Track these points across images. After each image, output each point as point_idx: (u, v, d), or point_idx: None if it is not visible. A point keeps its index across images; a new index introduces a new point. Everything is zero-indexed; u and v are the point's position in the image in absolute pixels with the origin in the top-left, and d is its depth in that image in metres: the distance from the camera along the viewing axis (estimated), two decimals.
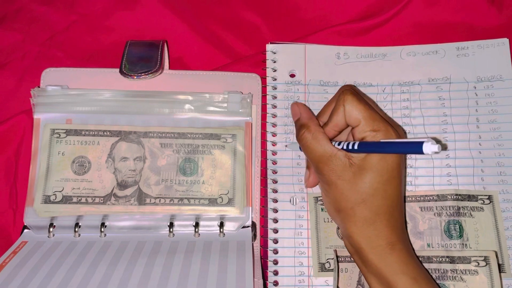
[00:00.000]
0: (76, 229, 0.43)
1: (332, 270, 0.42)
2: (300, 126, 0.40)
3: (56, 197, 0.43)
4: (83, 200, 0.43)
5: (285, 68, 0.48)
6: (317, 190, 0.44)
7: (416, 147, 0.30)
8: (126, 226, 0.44)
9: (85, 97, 0.46)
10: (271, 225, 0.44)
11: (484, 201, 0.44)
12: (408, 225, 0.43)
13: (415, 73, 0.48)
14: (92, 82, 0.47)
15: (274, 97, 0.48)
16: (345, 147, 0.37)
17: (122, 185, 0.44)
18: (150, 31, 0.51)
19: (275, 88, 0.48)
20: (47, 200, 0.43)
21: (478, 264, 0.41)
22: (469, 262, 0.41)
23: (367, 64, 0.49)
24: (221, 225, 0.44)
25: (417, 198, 0.44)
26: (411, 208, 0.44)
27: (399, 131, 0.37)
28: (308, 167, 0.43)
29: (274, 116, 0.47)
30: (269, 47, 0.49)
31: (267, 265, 0.43)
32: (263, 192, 0.46)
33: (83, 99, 0.46)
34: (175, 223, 0.44)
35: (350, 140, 0.38)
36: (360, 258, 0.37)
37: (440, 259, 0.41)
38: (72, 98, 0.45)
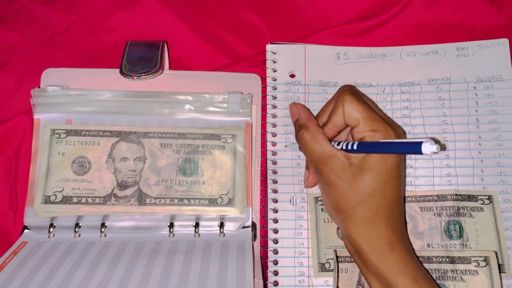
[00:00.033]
0: (76, 230, 0.43)
1: (332, 270, 0.42)
2: (299, 127, 0.40)
3: (56, 198, 0.43)
4: (83, 200, 0.43)
5: (285, 68, 0.49)
6: (317, 190, 0.44)
7: (415, 147, 0.30)
8: (126, 227, 0.44)
9: (85, 98, 0.46)
10: (271, 225, 0.44)
11: (484, 201, 0.44)
12: (408, 225, 0.43)
13: (415, 73, 0.48)
14: (92, 83, 0.47)
15: (274, 98, 0.48)
16: (344, 147, 0.37)
17: (122, 186, 0.44)
18: (150, 32, 0.51)
19: (275, 89, 0.48)
20: (47, 200, 0.43)
21: (478, 264, 0.41)
22: (469, 262, 0.41)
23: (367, 64, 0.49)
24: (221, 225, 0.44)
25: (417, 198, 0.44)
26: (411, 208, 0.44)
27: (398, 131, 0.37)
28: (307, 167, 0.43)
29: (274, 116, 0.47)
30: (269, 47, 0.49)
31: (267, 265, 0.43)
32: (263, 192, 0.46)
33: (83, 99, 0.46)
34: (175, 223, 0.44)
35: (350, 140, 0.38)
36: (360, 258, 0.37)
37: (440, 259, 0.41)
38: (72, 98, 0.45)
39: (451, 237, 0.43)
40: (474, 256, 0.41)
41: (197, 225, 0.44)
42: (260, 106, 0.48)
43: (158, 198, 0.44)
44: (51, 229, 0.43)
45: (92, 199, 0.44)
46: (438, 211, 0.43)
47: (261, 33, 0.52)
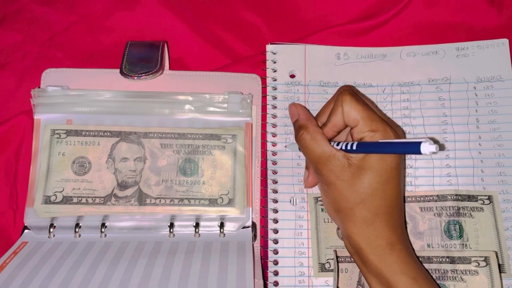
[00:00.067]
0: (77, 230, 0.43)
1: (332, 270, 0.42)
2: (298, 127, 0.40)
3: (56, 198, 0.43)
4: (84, 200, 0.43)
5: (285, 68, 0.49)
6: (317, 190, 0.44)
7: (414, 147, 0.31)
8: (126, 227, 0.44)
9: (86, 98, 0.46)
10: (271, 225, 0.44)
11: (484, 202, 0.44)
12: (408, 226, 0.43)
13: (415, 73, 0.48)
14: (92, 83, 0.47)
15: (274, 98, 0.48)
16: (343, 148, 0.37)
17: (122, 186, 0.44)
18: (150, 32, 0.51)
19: (275, 89, 0.48)
20: (47, 200, 0.43)
21: (478, 264, 0.41)
22: (469, 263, 0.41)
23: (367, 64, 0.49)
24: (222, 225, 0.44)
25: (417, 198, 0.44)
26: (411, 209, 0.44)
27: (398, 131, 0.37)
28: (307, 168, 0.43)
29: (274, 116, 0.47)
30: (269, 47, 0.49)
31: (267, 265, 0.43)
32: (263, 193, 0.46)
33: (83, 99, 0.46)
34: (176, 223, 0.44)
35: (349, 141, 0.38)
36: (360, 259, 0.37)
37: (440, 260, 0.41)
38: (73, 98, 0.45)
39: (451, 237, 0.43)
40: (474, 256, 0.41)
41: (197, 225, 0.44)
42: (260, 106, 0.48)
43: (158, 198, 0.44)
44: (51, 229, 0.43)
45: (92, 199, 0.44)
46: (438, 211, 0.43)
47: (261, 33, 0.52)
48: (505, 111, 0.46)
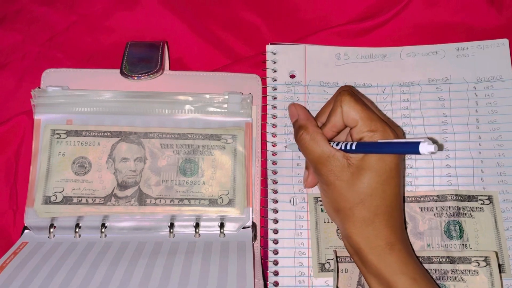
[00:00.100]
0: (77, 230, 0.43)
1: (332, 270, 0.42)
2: (298, 128, 0.40)
3: (56, 198, 0.43)
4: (84, 200, 0.43)
5: (285, 68, 0.49)
6: (317, 190, 0.44)
7: (413, 147, 0.31)
8: (126, 227, 0.44)
9: (86, 98, 0.46)
10: (271, 225, 0.44)
11: (484, 202, 0.44)
12: (408, 226, 0.43)
13: (415, 73, 0.48)
14: (93, 83, 0.47)
15: (274, 98, 0.48)
16: (343, 148, 0.37)
17: (122, 186, 0.44)
18: (150, 32, 0.51)
19: (275, 89, 0.48)
20: (47, 200, 0.43)
21: (479, 264, 0.41)
22: (469, 263, 0.41)
23: (367, 64, 0.49)
24: (222, 225, 0.44)
25: (417, 198, 0.44)
26: (411, 209, 0.44)
27: (397, 131, 0.37)
28: (307, 168, 0.43)
29: (274, 116, 0.47)
30: (269, 47, 0.49)
31: (267, 265, 0.43)
32: (263, 193, 0.46)
33: (83, 100, 0.46)
34: (176, 223, 0.44)
35: (349, 141, 0.38)
36: (360, 259, 0.37)
37: (440, 260, 0.41)
38: (73, 99, 0.45)
39: (451, 237, 0.43)
40: (474, 256, 0.41)
41: (197, 226, 0.44)
42: (260, 106, 0.48)
43: (159, 198, 0.44)
44: (52, 230, 0.43)
45: (92, 200, 0.44)
46: (438, 211, 0.44)
47: (261, 33, 0.52)
48: (505, 111, 0.46)
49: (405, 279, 0.35)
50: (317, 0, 0.52)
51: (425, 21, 0.51)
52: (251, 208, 0.45)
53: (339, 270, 0.42)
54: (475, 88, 0.47)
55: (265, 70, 0.49)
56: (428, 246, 0.43)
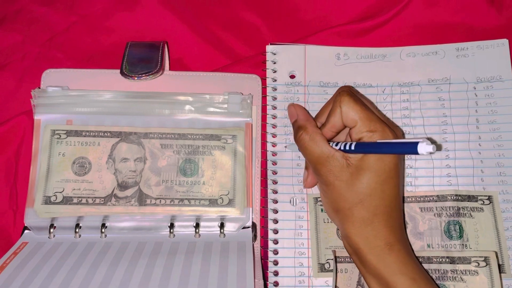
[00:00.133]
0: (77, 230, 0.43)
1: (332, 270, 0.42)
2: (297, 128, 0.40)
3: (56, 198, 0.43)
4: (84, 201, 0.44)
5: (285, 69, 0.49)
6: (316, 190, 0.44)
7: (411, 148, 0.31)
8: (126, 227, 0.44)
9: (86, 98, 0.46)
10: (271, 225, 0.44)
11: (484, 202, 0.44)
12: (408, 226, 0.43)
13: (415, 74, 0.48)
14: (93, 83, 0.47)
15: (274, 98, 0.48)
16: (342, 148, 0.37)
17: (122, 186, 0.44)
18: (150, 32, 0.51)
19: (275, 89, 0.48)
20: (47, 201, 0.43)
21: (478, 264, 0.41)
22: (469, 263, 0.41)
23: (367, 65, 0.49)
24: (222, 225, 0.44)
25: (417, 198, 0.44)
26: (411, 209, 0.44)
27: (396, 131, 0.37)
28: (306, 168, 0.43)
29: (274, 117, 0.47)
30: (269, 48, 0.49)
31: (267, 265, 0.43)
32: (263, 193, 0.46)
33: (83, 100, 0.46)
34: (176, 224, 0.44)
35: (348, 141, 0.38)
36: (359, 259, 0.37)
37: (440, 260, 0.41)
38: (73, 99, 0.46)
39: (451, 238, 0.43)
40: (474, 257, 0.41)
41: (197, 226, 0.44)
42: (260, 106, 0.48)
43: (159, 198, 0.44)
44: (52, 230, 0.43)
45: (92, 200, 0.44)
46: (438, 211, 0.44)
47: (261, 33, 0.52)
48: (505, 111, 0.46)
49: (404, 279, 0.35)
50: (317, 0, 0.52)
51: (425, 21, 0.51)
52: (251, 208, 0.45)
53: (339, 270, 0.42)
54: (475, 88, 0.47)
55: (265, 70, 0.49)
56: (428, 246, 0.43)
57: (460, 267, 0.41)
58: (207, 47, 0.51)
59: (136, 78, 0.45)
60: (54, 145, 0.44)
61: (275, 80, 0.48)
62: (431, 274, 0.41)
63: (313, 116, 0.43)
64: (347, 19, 0.51)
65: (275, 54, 0.49)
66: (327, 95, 0.47)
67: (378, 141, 0.36)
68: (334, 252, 0.42)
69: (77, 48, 0.51)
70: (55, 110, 0.45)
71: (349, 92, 0.38)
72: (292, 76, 0.49)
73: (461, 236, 0.43)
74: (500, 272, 0.40)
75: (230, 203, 0.44)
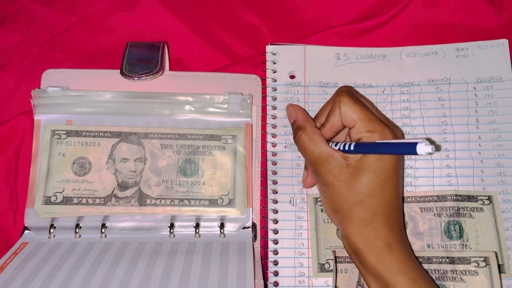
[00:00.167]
0: (77, 230, 0.43)
1: (332, 270, 0.42)
2: (296, 128, 0.40)
3: (56, 198, 0.43)
4: (84, 201, 0.44)
5: (285, 69, 0.49)
6: (316, 191, 0.44)
7: (410, 148, 0.31)
8: (126, 227, 0.44)
9: (86, 98, 0.46)
10: (271, 226, 0.44)
11: (484, 202, 0.44)
12: (408, 226, 0.43)
13: (414, 74, 0.48)
14: (93, 83, 0.47)
15: (274, 98, 0.48)
16: (341, 148, 0.37)
17: (122, 186, 0.44)
18: (150, 32, 0.51)
19: (275, 89, 0.48)
20: (47, 201, 0.43)
21: (478, 264, 0.41)
22: (469, 263, 0.41)
23: (367, 65, 0.49)
24: (222, 226, 0.44)
25: (417, 198, 0.44)
26: (411, 209, 0.44)
27: (396, 132, 0.37)
28: (306, 168, 0.43)
29: (274, 117, 0.47)
30: (269, 48, 0.49)
31: (267, 265, 0.43)
32: (263, 193, 0.46)
33: (83, 100, 0.46)
34: (176, 224, 0.44)
35: (347, 141, 0.38)
36: (358, 259, 0.37)
37: (440, 260, 0.42)
38: (73, 99, 0.46)
39: (451, 238, 0.43)
40: (474, 257, 0.41)
41: (197, 226, 0.44)
42: (260, 107, 0.48)
43: (159, 198, 0.44)
44: (52, 230, 0.43)
45: (92, 200, 0.44)
46: (438, 211, 0.44)
47: (261, 33, 0.52)
48: (505, 111, 0.46)
49: (404, 280, 0.35)
50: (317, 0, 0.52)
51: (425, 21, 0.51)
52: (251, 209, 0.45)
53: (339, 270, 0.42)
54: (475, 88, 0.47)
55: (265, 71, 0.49)
56: (428, 246, 0.43)
57: (460, 267, 0.41)
58: (207, 47, 0.51)
59: (136, 78, 0.45)
60: (54, 145, 0.44)
61: (275, 80, 0.48)
62: (431, 274, 0.41)
63: (313, 116, 0.43)
64: (347, 19, 0.51)
65: (275, 54, 0.49)
66: (327, 95, 0.47)
67: (377, 141, 0.36)
68: (334, 252, 0.42)
69: (77, 48, 0.51)
70: (55, 110, 0.45)
71: (348, 92, 0.38)
72: (292, 76, 0.49)
73: (461, 236, 0.43)
74: (500, 272, 0.40)
75: (230, 203, 0.44)
